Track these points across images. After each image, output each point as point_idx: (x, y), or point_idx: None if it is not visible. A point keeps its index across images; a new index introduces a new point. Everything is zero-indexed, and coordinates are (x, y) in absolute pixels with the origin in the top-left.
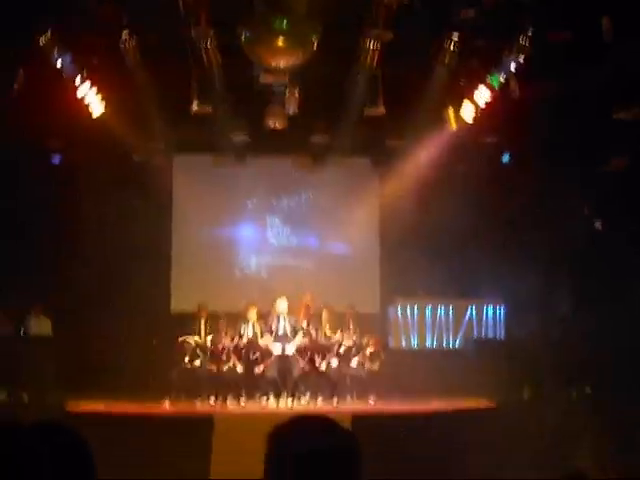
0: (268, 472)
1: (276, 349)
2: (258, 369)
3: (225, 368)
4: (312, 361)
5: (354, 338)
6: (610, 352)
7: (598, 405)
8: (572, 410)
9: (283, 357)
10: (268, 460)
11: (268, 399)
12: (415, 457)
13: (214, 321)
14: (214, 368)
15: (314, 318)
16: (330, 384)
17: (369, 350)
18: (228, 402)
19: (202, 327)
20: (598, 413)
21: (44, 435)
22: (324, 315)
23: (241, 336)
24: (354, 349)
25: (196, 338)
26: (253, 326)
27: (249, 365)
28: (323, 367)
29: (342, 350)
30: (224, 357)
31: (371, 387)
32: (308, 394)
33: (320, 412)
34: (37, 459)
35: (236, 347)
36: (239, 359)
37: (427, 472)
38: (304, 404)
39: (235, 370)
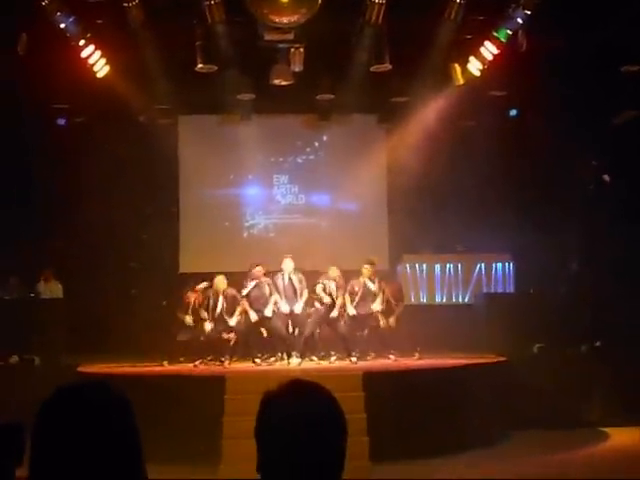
0: (257, 435)
1: (284, 307)
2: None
3: (233, 322)
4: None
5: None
6: (620, 306)
7: (608, 358)
8: (582, 363)
9: (292, 315)
10: (257, 424)
11: (279, 358)
12: (426, 413)
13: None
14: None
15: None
16: (343, 341)
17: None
18: (239, 362)
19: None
20: (608, 366)
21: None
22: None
23: (247, 295)
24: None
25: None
26: (259, 285)
27: (256, 324)
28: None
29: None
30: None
31: (384, 343)
32: (322, 353)
33: (325, 372)
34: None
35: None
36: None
37: (438, 427)
38: (316, 362)
39: (244, 326)
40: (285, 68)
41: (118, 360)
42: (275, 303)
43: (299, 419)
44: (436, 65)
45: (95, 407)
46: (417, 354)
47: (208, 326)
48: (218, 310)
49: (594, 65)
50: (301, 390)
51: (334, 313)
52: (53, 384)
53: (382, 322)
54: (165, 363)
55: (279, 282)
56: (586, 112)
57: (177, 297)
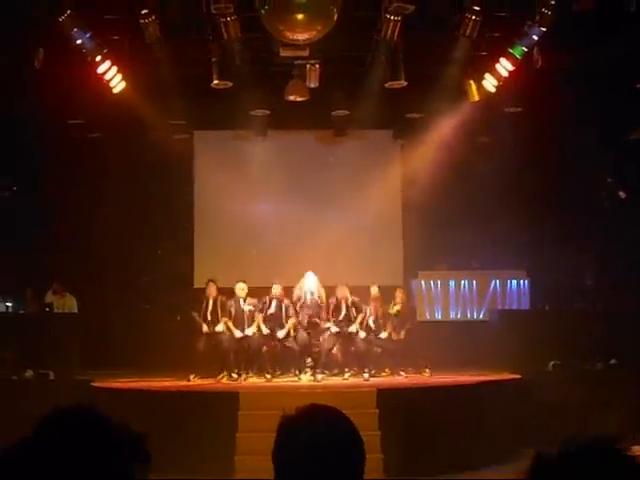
0: (274, 459)
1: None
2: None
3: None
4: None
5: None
6: (636, 323)
7: (623, 376)
8: (597, 381)
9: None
10: (275, 448)
11: (295, 374)
12: (440, 430)
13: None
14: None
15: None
16: (358, 358)
17: (395, 308)
18: (253, 377)
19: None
20: (623, 384)
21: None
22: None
23: (265, 310)
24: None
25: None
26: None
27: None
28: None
29: (371, 322)
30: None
31: (397, 360)
32: (336, 369)
33: (341, 390)
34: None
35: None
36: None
37: (452, 445)
38: (331, 379)
39: (260, 342)
40: (300, 84)
41: (132, 375)
42: (294, 328)
43: (317, 444)
44: (451, 81)
45: (82, 435)
46: (428, 371)
47: (238, 333)
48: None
49: (609, 81)
50: (319, 414)
51: (352, 328)
52: (67, 399)
53: (393, 335)
54: (192, 377)
55: (303, 296)
56: (601, 128)
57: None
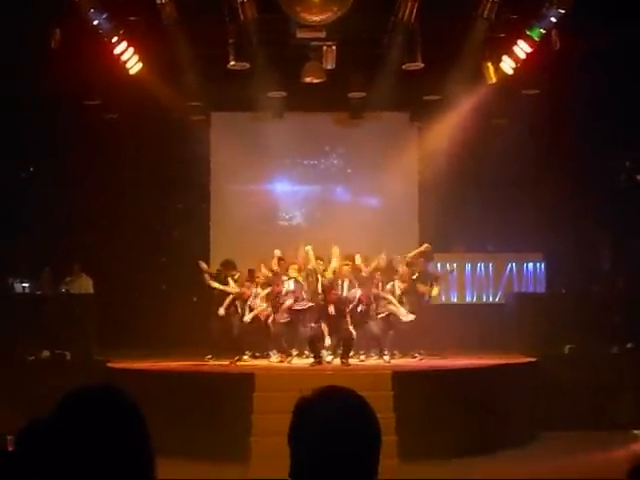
0: (290, 441)
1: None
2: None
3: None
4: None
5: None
6: None
7: (639, 360)
8: (613, 365)
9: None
10: (291, 430)
11: (311, 355)
12: (455, 413)
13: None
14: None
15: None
16: (374, 339)
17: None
18: (269, 358)
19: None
20: (639, 368)
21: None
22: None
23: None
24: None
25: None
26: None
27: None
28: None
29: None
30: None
31: (413, 342)
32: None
33: (356, 373)
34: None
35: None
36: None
37: (466, 427)
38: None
39: (276, 323)
40: (317, 66)
41: (148, 356)
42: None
43: (333, 425)
44: (469, 63)
45: (101, 414)
46: (418, 355)
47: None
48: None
49: (627, 64)
50: (335, 396)
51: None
52: (84, 379)
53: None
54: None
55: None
56: (620, 111)
57: (208, 294)
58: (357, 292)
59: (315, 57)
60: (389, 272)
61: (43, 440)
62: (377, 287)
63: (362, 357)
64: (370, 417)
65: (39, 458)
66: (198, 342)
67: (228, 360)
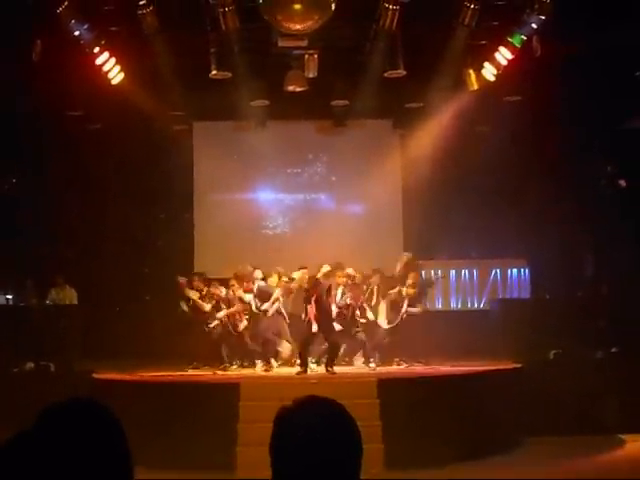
0: (272, 451)
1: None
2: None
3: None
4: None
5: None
6: (636, 312)
7: (624, 365)
8: (598, 370)
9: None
10: (272, 440)
11: (296, 364)
12: (441, 420)
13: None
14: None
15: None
16: (360, 346)
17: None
18: (255, 367)
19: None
20: (624, 372)
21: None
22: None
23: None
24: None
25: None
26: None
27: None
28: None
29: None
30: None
31: (397, 349)
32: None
33: (342, 381)
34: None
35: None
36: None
37: (453, 434)
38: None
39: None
40: (299, 74)
41: (133, 366)
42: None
43: (313, 435)
44: (450, 70)
45: (81, 429)
46: (403, 364)
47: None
48: None
49: (608, 70)
50: (315, 405)
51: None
52: (68, 390)
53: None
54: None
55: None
56: (601, 116)
57: None
58: (347, 299)
59: (297, 65)
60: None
61: (24, 454)
62: (364, 296)
63: (346, 364)
64: (350, 425)
65: (21, 472)
66: (183, 352)
67: (212, 370)
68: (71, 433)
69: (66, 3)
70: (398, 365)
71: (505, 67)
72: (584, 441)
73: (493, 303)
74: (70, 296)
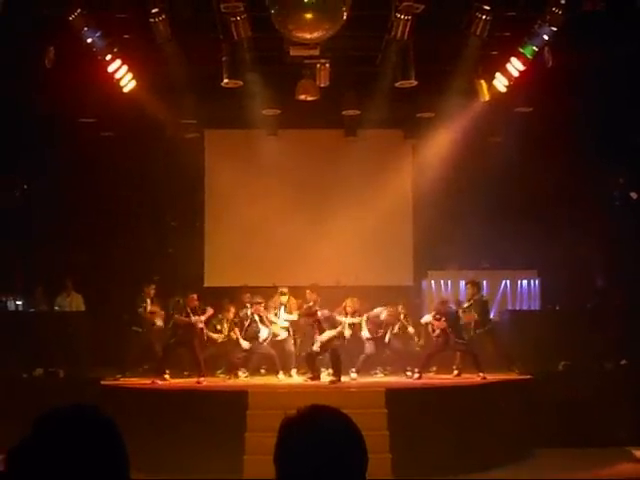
0: (276, 460)
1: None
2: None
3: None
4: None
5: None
6: None
7: (633, 376)
8: (607, 381)
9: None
10: (276, 450)
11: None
12: (449, 430)
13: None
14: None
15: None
16: (367, 357)
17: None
18: (263, 376)
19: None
20: (633, 384)
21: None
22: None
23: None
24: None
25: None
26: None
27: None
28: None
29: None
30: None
31: (406, 360)
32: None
33: (350, 391)
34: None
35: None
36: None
37: (461, 445)
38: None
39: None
40: (311, 83)
41: (142, 373)
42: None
43: (317, 444)
44: (462, 81)
45: (73, 435)
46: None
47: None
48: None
49: (621, 81)
50: (319, 415)
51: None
52: (77, 397)
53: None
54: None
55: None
56: (613, 128)
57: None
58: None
59: (309, 75)
60: None
61: (25, 461)
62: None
63: (353, 375)
64: (354, 434)
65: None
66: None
67: (221, 377)
68: (62, 439)
69: (79, 10)
70: (406, 375)
71: (516, 78)
72: (594, 453)
73: (503, 314)
74: (77, 302)
